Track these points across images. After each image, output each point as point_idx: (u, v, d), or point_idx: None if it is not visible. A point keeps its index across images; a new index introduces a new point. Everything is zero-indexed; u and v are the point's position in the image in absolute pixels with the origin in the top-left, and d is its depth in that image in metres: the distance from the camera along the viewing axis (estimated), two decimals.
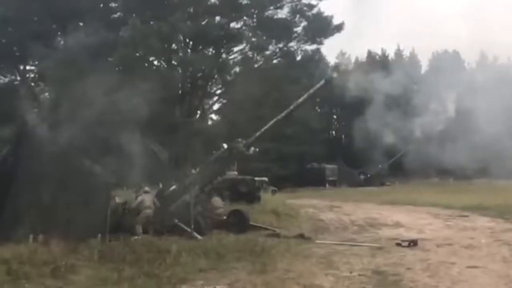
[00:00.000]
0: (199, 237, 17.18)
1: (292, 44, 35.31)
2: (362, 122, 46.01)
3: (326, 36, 35.57)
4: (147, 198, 19.04)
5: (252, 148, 19.82)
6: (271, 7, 33.61)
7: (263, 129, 20.05)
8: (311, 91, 19.99)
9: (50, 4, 23.75)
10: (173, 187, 19.90)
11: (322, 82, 19.70)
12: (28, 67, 29.81)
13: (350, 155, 63.31)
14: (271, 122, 20.03)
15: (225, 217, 20.64)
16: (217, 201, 21.22)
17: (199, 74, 34.09)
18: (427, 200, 33.19)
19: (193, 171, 20.44)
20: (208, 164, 20.22)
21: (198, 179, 19.48)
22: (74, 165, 16.18)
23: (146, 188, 19.58)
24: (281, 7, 34.15)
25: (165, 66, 33.26)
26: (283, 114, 19.91)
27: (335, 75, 19.16)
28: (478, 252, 15.31)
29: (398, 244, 16.63)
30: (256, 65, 35.02)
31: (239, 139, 19.73)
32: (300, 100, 19.91)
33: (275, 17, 34.09)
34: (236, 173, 25.77)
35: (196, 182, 19.31)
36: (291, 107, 19.96)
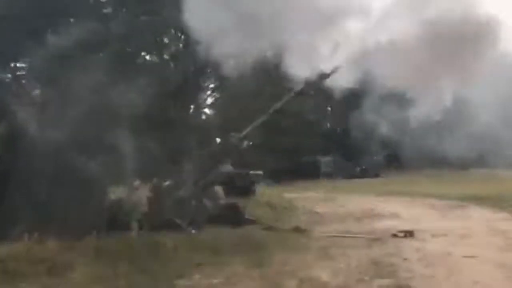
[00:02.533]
0: (194, 231, 17.16)
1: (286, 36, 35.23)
2: (357, 113, 45.93)
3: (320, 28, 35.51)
4: (142, 194, 19.01)
5: (246, 142, 19.87)
6: None
7: (255, 123, 20.10)
8: (292, 94, 20.16)
9: (40, 0, 23.65)
10: (167, 182, 19.90)
11: (302, 87, 19.86)
12: (19, 64, 29.66)
13: (346, 147, 63.36)
14: (262, 117, 20.13)
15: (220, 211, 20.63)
16: (218, 190, 21.22)
17: (192, 69, 34.01)
18: (423, 190, 33.29)
19: (187, 166, 20.44)
20: (202, 159, 20.23)
21: (192, 174, 19.48)
22: (68, 162, 16.10)
23: (137, 183, 19.55)
24: None
25: (158, 61, 33.17)
26: (274, 109, 20.04)
27: (314, 78, 19.35)
28: (474, 242, 15.35)
29: (395, 235, 16.67)
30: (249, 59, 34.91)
31: (232, 133, 19.77)
32: (279, 104, 20.10)
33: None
34: (230, 167, 25.77)
35: (190, 177, 19.31)
36: (270, 110, 20.13)
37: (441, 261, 12.79)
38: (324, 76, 19.33)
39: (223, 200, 21.26)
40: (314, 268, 12.42)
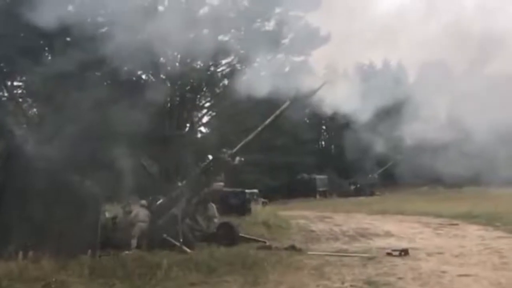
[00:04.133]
0: (188, 250, 17.14)
1: (280, 56, 35.38)
2: (351, 132, 46.03)
3: (313, 47, 35.68)
4: (142, 212, 19.03)
5: (238, 158, 19.92)
6: (258, 20, 33.66)
7: (246, 140, 20.20)
8: (277, 112, 20.27)
9: (37, 19, 23.78)
10: (160, 200, 19.90)
11: (288, 103, 19.96)
12: (15, 83, 29.68)
13: (340, 165, 63.45)
14: (253, 133, 20.22)
15: (214, 230, 20.62)
16: (212, 209, 21.23)
17: (188, 87, 34.10)
18: (417, 209, 33.34)
19: (180, 183, 20.47)
20: (194, 176, 20.23)
21: (184, 191, 19.49)
22: (63, 180, 16.11)
23: (143, 202, 19.62)
24: (268, 20, 34.22)
25: (154, 79, 33.22)
26: (263, 126, 20.14)
27: (300, 94, 19.52)
28: (469, 260, 15.35)
29: (389, 254, 16.65)
30: (244, 77, 35.04)
31: (224, 150, 19.83)
32: (268, 121, 20.18)
33: (262, 29, 34.16)
34: (222, 184, 25.90)
35: (183, 194, 19.31)
36: (259, 128, 20.21)
37: (436, 279, 12.78)
38: (310, 92, 19.44)
39: (217, 218, 21.26)
40: (309, 287, 12.41)
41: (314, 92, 19.52)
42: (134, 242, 18.05)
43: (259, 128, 20.21)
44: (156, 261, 14.43)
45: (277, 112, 20.20)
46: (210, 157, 20.32)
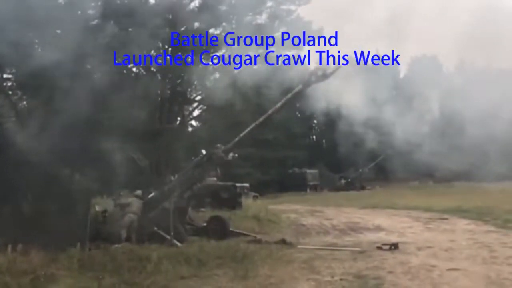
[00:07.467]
0: (178, 244, 17.11)
1: (272, 49, 35.33)
2: (343, 126, 46.06)
3: (305, 41, 35.66)
4: (136, 202, 18.93)
5: (231, 154, 19.76)
6: (250, 13, 33.58)
7: (241, 135, 20.01)
8: (289, 95, 19.95)
9: (26, 12, 23.62)
10: (152, 194, 19.83)
11: (300, 87, 19.68)
12: (5, 76, 29.45)
13: (331, 159, 63.51)
14: (249, 128, 20.03)
15: (204, 224, 20.59)
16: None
17: (179, 81, 33.99)
18: (407, 203, 33.43)
19: (172, 178, 20.37)
20: (187, 171, 20.15)
21: (177, 185, 19.41)
22: (53, 174, 16.03)
23: (138, 192, 19.54)
24: (260, 13, 34.15)
25: (144, 73, 33.08)
26: (261, 120, 19.91)
27: (313, 79, 19.14)
28: (458, 255, 15.39)
29: (379, 248, 16.69)
30: (236, 71, 34.97)
31: (218, 145, 19.70)
32: (278, 105, 19.90)
33: (254, 22, 34.09)
34: (215, 179, 25.80)
35: (175, 188, 19.24)
36: (269, 112, 19.96)
37: (426, 274, 12.81)
38: (325, 76, 19.08)
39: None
40: (299, 281, 12.41)
41: (327, 76, 19.11)
42: (123, 232, 17.95)
43: (269, 112, 19.91)
44: (146, 254, 14.39)
45: (289, 95, 19.83)
46: (204, 151, 20.14)
